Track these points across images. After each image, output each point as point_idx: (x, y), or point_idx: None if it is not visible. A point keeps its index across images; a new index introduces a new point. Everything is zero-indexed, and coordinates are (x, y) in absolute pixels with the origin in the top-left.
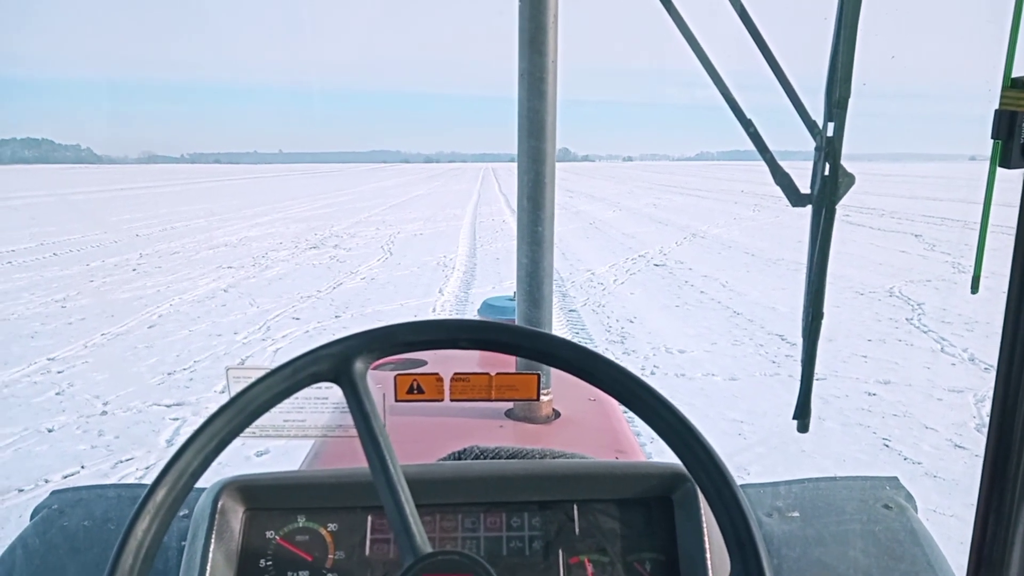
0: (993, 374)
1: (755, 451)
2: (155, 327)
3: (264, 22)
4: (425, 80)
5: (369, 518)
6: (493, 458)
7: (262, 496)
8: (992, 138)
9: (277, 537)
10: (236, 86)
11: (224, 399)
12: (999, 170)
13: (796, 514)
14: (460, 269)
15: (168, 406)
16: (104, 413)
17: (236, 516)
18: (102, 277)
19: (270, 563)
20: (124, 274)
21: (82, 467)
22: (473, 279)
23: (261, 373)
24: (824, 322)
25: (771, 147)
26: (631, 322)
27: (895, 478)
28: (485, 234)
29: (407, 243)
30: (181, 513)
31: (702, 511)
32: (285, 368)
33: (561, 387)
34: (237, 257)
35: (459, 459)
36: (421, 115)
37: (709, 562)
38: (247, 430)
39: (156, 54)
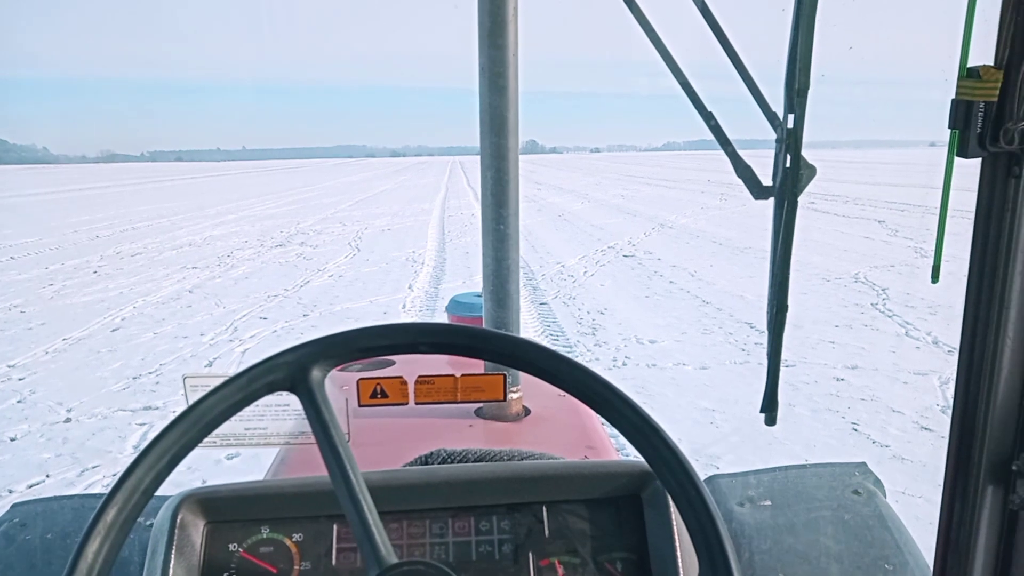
0: (956, 356)
1: (729, 441)
2: (119, 330)
3: (226, 17)
4: (390, 74)
5: (335, 527)
6: (460, 461)
7: (223, 508)
8: (949, 127)
9: (240, 550)
10: (197, 83)
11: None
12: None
13: (767, 503)
14: (429, 264)
15: (134, 411)
16: (68, 420)
17: (197, 530)
18: (62, 280)
19: None
20: (85, 277)
21: (47, 476)
22: (443, 274)
23: (218, 382)
24: (791, 309)
25: (734, 137)
26: (602, 314)
27: (863, 463)
28: (454, 228)
29: (375, 239)
30: (146, 523)
31: (671, 509)
32: (240, 378)
33: (531, 383)
34: (202, 257)
35: (426, 463)
36: (386, 109)
37: (680, 560)
38: (206, 440)
39: (114, 50)
